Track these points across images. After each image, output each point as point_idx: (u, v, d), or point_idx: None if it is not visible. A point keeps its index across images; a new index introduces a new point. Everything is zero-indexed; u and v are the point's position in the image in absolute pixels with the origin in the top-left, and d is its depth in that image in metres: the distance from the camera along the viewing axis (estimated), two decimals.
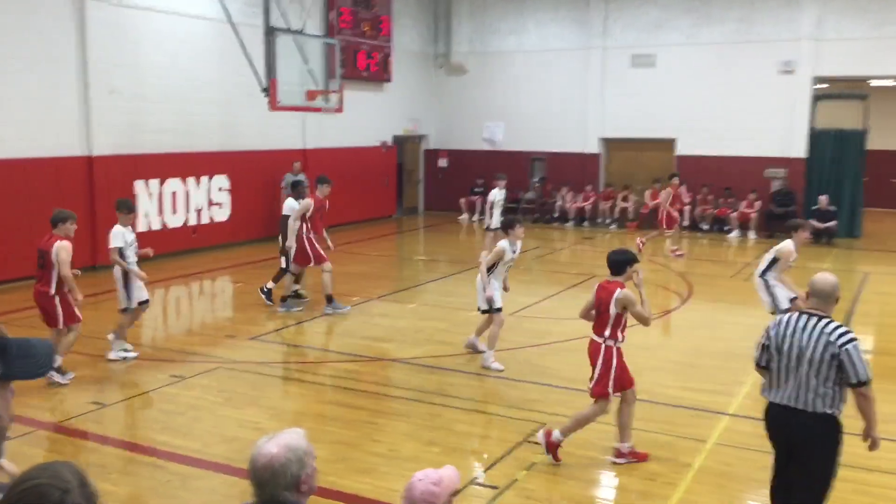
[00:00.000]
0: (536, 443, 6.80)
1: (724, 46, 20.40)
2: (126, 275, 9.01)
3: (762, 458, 6.64)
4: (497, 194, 15.30)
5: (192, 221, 16.39)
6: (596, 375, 6.40)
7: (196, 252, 16.30)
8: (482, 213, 21.69)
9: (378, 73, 21.01)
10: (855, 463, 6.54)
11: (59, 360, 8.19)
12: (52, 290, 8.16)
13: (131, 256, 9.07)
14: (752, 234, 19.86)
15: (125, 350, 9.23)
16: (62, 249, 8.09)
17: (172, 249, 15.90)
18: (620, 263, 6.52)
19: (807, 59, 19.59)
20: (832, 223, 18.95)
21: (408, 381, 8.61)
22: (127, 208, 9.22)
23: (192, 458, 6.57)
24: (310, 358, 9.39)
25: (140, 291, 9.16)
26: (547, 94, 22.50)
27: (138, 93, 14.92)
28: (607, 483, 6.34)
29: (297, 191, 12.08)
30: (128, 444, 6.84)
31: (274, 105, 12.65)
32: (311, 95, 13.41)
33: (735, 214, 20.21)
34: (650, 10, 21.14)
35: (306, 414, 7.76)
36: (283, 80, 12.77)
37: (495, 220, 14.90)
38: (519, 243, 9.15)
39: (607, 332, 6.42)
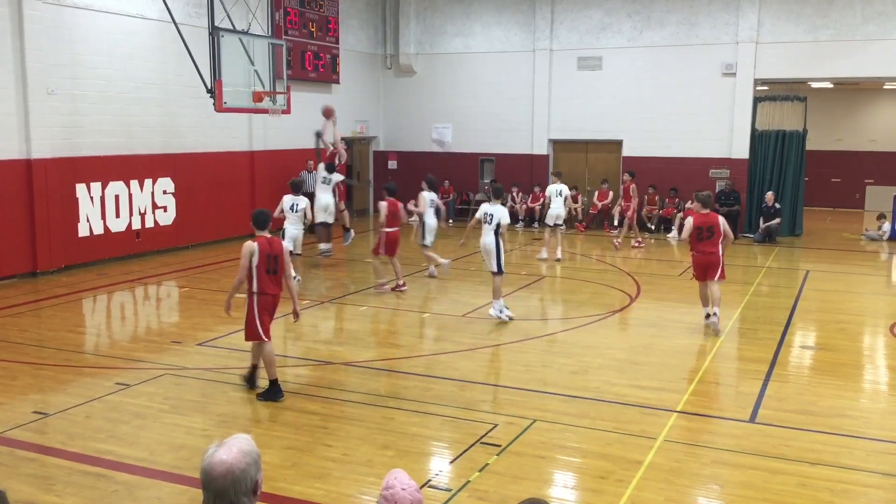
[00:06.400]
0: (489, 444, 6.83)
1: (666, 49, 20.74)
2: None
3: (710, 454, 6.77)
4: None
5: (136, 225, 16.05)
6: None
7: (140, 256, 16.00)
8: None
9: (326, 75, 20.87)
10: (798, 457, 6.71)
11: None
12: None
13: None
14: None
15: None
16: None
17: (116, 254, 15.59)
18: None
19: (747, 62, 20.02)
20: (777, 220, 19.40)
21: (360, 385, 8.55)
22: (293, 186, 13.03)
23: (138, 468, 6.42)
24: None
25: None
26: (495, 95, 22.61)
27: (77, 94, 14.57)
28: (560, 482, 6.38)
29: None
30: (72, 455, 6.65)
31: (220, 106, 12.48)
32: (257, 97, 13.26)
33: (681, 214, 20.52)
34: (594, 13, 21.38)
35: (255, 420, 7.66)
36: (229, 82, 12.61)
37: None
38: None
39: None
